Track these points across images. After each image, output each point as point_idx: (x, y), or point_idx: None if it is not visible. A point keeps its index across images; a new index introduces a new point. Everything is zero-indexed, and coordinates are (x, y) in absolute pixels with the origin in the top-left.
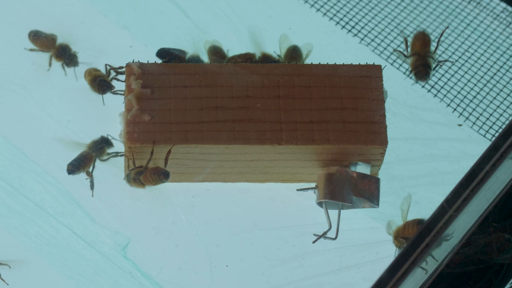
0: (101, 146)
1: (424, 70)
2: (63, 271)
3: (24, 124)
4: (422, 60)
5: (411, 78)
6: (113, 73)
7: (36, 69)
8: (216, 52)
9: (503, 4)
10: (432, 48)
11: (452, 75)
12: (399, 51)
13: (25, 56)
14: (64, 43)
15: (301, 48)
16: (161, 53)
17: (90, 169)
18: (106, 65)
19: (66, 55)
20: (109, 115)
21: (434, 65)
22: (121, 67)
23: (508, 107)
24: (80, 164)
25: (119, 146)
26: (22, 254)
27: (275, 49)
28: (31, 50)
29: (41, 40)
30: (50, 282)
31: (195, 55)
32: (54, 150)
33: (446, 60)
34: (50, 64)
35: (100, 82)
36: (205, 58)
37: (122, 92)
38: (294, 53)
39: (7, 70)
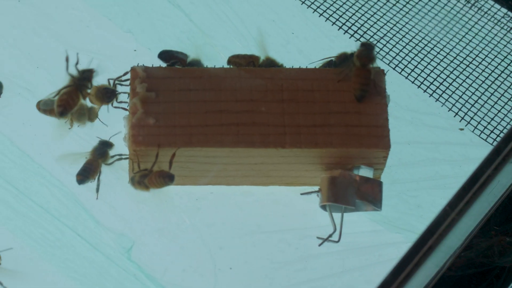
0: (103, 150)
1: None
2: (68, 273)
3: (30, 127)
4: None
5: (413, 83)
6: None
7: (41, 72)
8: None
9: (504, 10)
10: None
11: (454, 80)
12: None
13: (30, 59)
14: None
15: None
16: (163, 54)
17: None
18: (108, 79)
19: None
20: (114, 118)
21: None
22: (125, 73)
23: (509, 111)
24: (89, 173)
25: (122, 148)
26: (27, 256)
27: (277, 53)
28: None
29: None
30: (55, 284)
31: (196, 59)
32: (59, 153)
33: None
34: None
35: (104, 90)
36: (205, 62)
37: (127, 100)
38: None
39: (12, 73)
